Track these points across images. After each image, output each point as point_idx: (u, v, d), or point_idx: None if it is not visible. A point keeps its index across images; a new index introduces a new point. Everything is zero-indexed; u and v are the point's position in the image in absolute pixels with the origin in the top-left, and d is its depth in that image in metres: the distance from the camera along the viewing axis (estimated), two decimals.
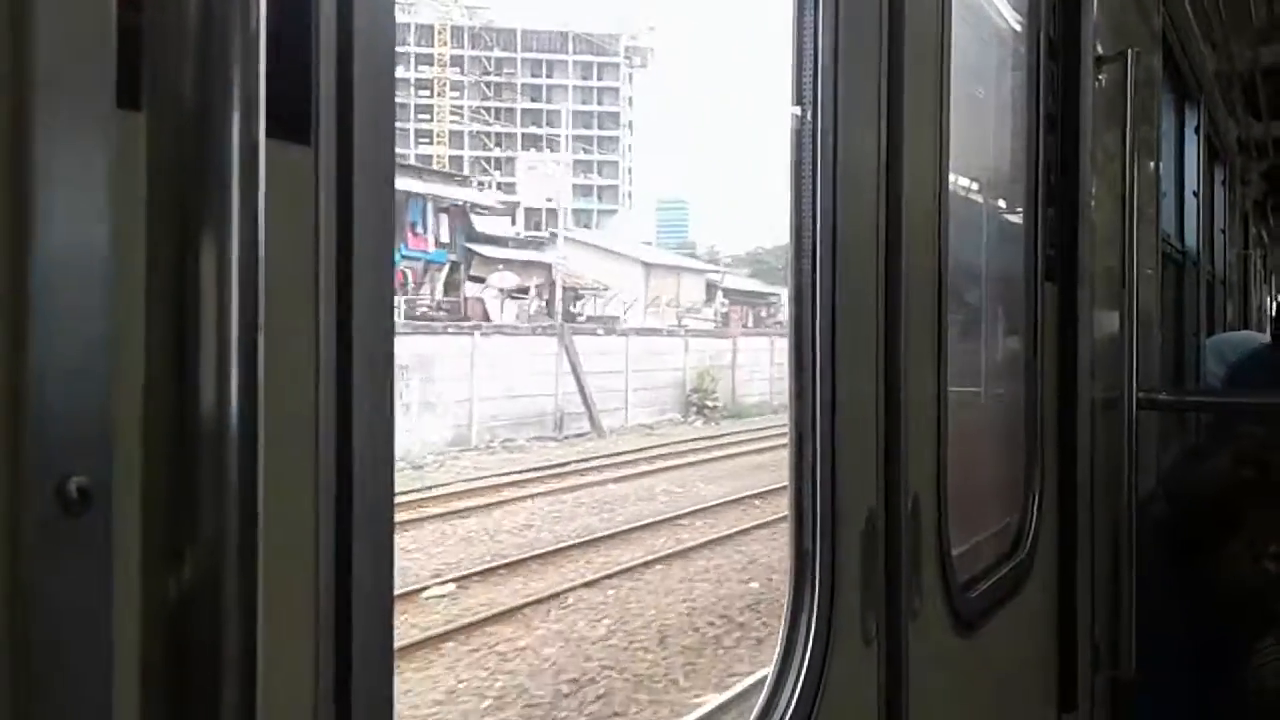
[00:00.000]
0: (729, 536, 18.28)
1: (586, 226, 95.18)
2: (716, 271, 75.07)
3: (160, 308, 0.62)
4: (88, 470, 0.64)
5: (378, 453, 0.90)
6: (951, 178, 2.31)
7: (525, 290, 50.21)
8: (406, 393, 27.77)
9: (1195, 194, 6.80)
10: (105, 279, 0.65)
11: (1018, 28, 3.12)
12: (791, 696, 1.75)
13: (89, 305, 0.65)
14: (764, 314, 67.00)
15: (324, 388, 0.85)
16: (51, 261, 0.63)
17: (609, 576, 15.44)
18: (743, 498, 21.59)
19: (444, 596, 14.34)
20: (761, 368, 45.44)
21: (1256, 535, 3.76)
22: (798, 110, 1.84)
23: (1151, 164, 4.73)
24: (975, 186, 3.03)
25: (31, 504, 0.62)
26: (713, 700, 10.62)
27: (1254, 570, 3.75)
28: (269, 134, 0.65)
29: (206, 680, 0.62)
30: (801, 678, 1.76)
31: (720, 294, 66.84)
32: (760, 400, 43.92)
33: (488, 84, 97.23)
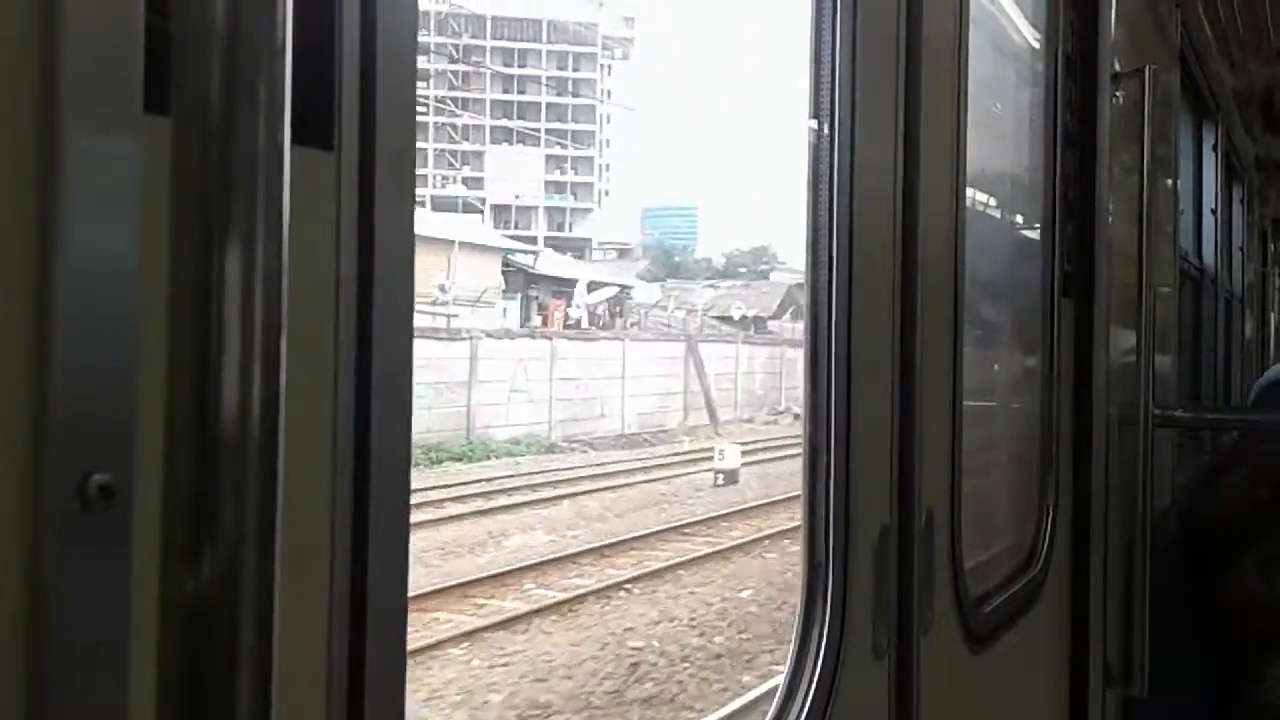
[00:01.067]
0: None
1: (560, 227, 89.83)
2: (526, 251, 56.42)
3: (184, 308, 0.62)
4: (110, 467, 0.65)
5: (395, 455, 0.91)
6: (969, 192, 2.31)
7: None
8: None
9: (1213, 211, 6.77)
10: (131, 279, 0.66)
11: (1035, 44, 3.13)
12: (801, 710, 1.75)
13: (115, 304, 0.66)
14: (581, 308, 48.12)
15: (343, 390, 0.86)
16: (78, 261, 0.64)
17: None
18: None
19: None
20: (539, 382, 30.93)
21: (1271, 554, 3.75)
22: (814, 124, 1.85)
23: (1169, 181, 4.71)
24: (993, 202, 3.03)
25: (53, 499, 0.63)
26: None
27: (1268, 589, 3.73)
28: (292, 139, 0.66)
29: (222, 678, 0.63)
30: (811, 691, 1.76)
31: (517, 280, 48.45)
32: (524, 434, 29.64)
33: (454, 72, 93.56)
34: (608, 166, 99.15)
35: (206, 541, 0.63)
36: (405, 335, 0.92)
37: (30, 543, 0.63)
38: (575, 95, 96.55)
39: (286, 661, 0.65)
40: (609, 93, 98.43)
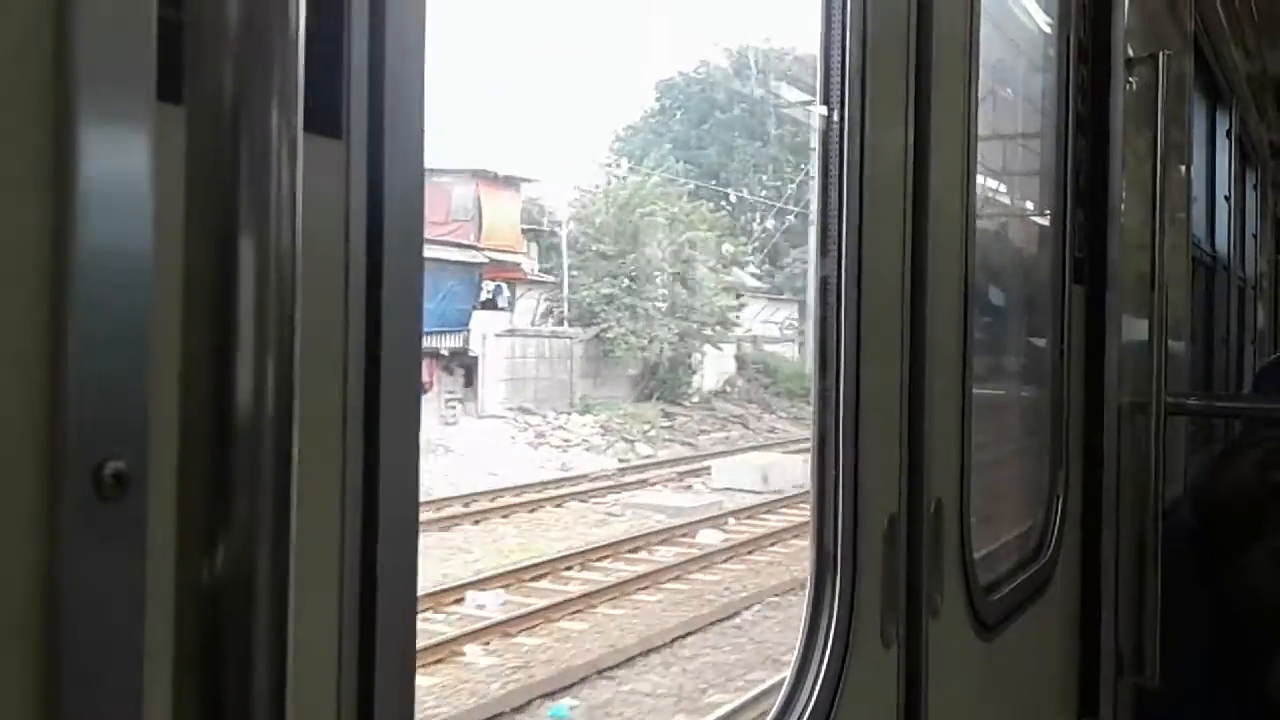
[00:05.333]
0: None
1: None
2: None
3: (199, 296, 0.63)
4: (124, 455, 0.65)
5: (404, 442, 0.91)
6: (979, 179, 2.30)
7: None
8: None
9: (1226, 198, 6.74)
10: (146, 267, 0.66)
11: (1048, 29, 3.11)
12: (810, 698, 1.75)
13: (129, 293, 0.66)
14: None
15: (352, 378, 0.87)
16: (93, 249, 0.64)
17: None
18: None
19: None
20: None
21: None
22: (824, 110, 1.84)
23: (1182, 167, 4.69)
24: (1003, 188, 3.02)
25: (68, 488, 0.63)
26: None
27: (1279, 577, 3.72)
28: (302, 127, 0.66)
29: (238, 666, 0.63)
30: (820, 680, 1.76)
31: None
32: None
33: None
34: None
35: (221, 530, 0.63)
36: (414, 323, 0.92)
37: (46, 531, 0.63)
38: None
39: (299, 648, 0.65)
40: None
